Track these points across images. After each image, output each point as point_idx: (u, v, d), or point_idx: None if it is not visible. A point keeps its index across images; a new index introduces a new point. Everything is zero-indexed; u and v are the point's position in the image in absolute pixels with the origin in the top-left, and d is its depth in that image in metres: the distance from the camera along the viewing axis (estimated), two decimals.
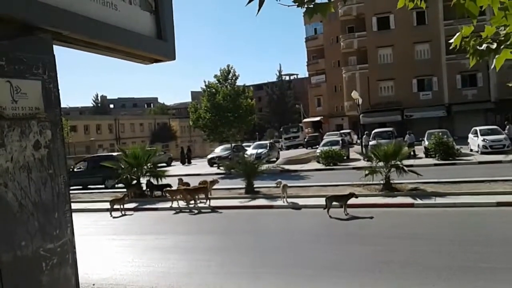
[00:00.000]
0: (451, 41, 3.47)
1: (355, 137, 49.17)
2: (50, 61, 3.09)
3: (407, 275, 7.22)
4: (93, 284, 7.96)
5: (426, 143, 26.54)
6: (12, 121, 2.83)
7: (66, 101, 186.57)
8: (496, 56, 3.19)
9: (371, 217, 11.79)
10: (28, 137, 2.93)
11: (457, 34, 3.42)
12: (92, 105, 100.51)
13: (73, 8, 3.11)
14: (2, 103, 2.77)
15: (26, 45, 2.95)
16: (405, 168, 14.86)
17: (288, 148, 50.85)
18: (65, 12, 3.02)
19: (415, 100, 47.31)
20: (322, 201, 12.91)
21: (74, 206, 14.73)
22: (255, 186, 17.39)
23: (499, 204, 12.00)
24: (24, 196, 2.90)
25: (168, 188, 17.04)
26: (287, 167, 26.98)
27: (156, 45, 4.16)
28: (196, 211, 15.16)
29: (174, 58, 4.43)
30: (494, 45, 3.23)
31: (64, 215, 3.20)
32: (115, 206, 15.64)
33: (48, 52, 3.09)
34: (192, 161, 41.96)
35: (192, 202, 15.77)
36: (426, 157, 26.00)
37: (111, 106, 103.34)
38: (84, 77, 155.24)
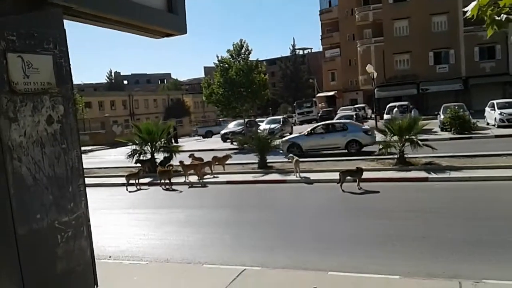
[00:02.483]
0: (466, 9, 3.36)
1: (369, 111, 48.72)
2: (60, 35, 3.08)
3: (421, 249, 7.23)
4: (110, 256, 8.14)
5: (442, 117, 26.18)
6: (25, 96, 2.85)
7: (81, 77, 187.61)
8: None
9: (385, 192, 11.77)
10: (40, 112, 2.96)
11: (474, 3, 3.30)
12: (106, 81, 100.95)
13: None
14: (14, 78, 2.79)
15: (37, 20, 2.94)
16: (420, 142, 14.71)
17: (301, 123, 50.61)
18: None
19: (431, 73, 46.48)
20: (335, 175, 12.91)
21: (91, 180, 14.98)
22: (268, 161, 17.43)
23: None
24: (38, 170, 2.94)
25: (160, 168, 16.75)
26: None
27: (167, 19, 4.11)
28: (208, 186, 15.31)
29: (185, 32, 4.38)
30: None
31: (78, 189, 3.24)
32: (131, 181, 15.85)
33: (58, 26, 3.08)
34: (178, 140, 39.97)
35: (204, 176, 15.96)
36: (442, 131, 25.70)
37: (125, 82, 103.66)
38: (98, 54, 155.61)
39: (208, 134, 44.22)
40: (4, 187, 2.75)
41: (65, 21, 3.28)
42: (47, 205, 3.01)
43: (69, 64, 3.17)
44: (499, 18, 3.24)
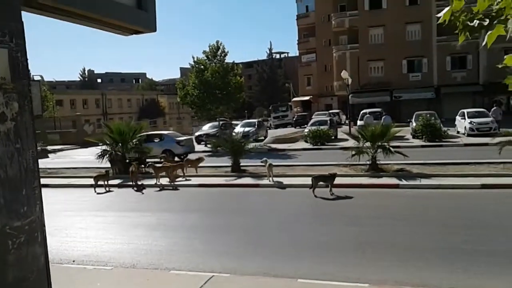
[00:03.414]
0: (439, 14, 3.31)
1: (343, 117, 49.22)
2: (17, 28, 2.88)
3: (390, 256, 7.24)
4: (73, 261, 7.88)
5: (414, 124, 26.62)
6: None
7: (53, 74, 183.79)
8: (489, 32, 3.05)
9: (356, 198, 11.81)
10: None
11: (447, 8, 3.26)
12: (79, 79, 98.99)
13: None
14: None
15: None
16: (392, 149, 14.87)
17: (277, 127, 50.76)
18: None
19: (404, 81, 47.31)
20: (308, 180, 12.89)
21: (58, 181, 14.62)
22: (241, 164, 17.32)
23: (484, 186, 12.09)
24: None
25: (131, 169, 16.40)
26: (274, 146, 26.94)
27: (136, 15, 3.93)
28: (179, 189, 15.08)
29: (155, 30, 4.21)
30: (487, 21, 3.08)
31: (32, 192, 3.04)
32: (99, 182, 15.47)
33: (15, 18, 2.88)
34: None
35: (176, 178, 15.72)
36: (414, 138, 26.13)
37: (99, 80, 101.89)
38: (71, 51, 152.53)
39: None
40: None
41: (31, 15, 3.08)
42: None
43: (26, 59, 2.97)
44: (471, 24, 3.21)
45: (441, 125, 25.22)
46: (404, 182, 13.26)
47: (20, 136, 2.93)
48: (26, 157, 2.99)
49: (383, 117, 28.16)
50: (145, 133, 23.61)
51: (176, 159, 21.19)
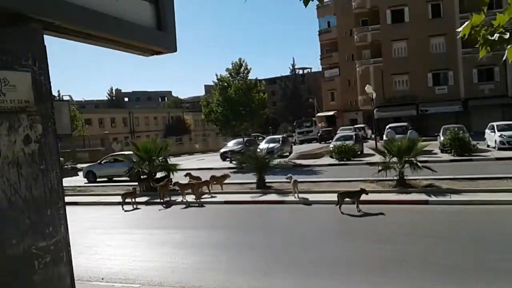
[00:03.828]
0: (459, 29, 3.23)
1: (369, 131, 48.69)
2: (40, 52, 2.94)
3: (420, 275, 7.00)
4: (102, 278, 7.92)
5: (442, 138, 26.05)
6: (0, 114, 2.69)
7: (82, 94, 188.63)
8: (509, 47, 2.95)
9: (384, 214, 11.54)
10: (17, 132, 2.80)
11: (466, 23, 3.17)
12: (107, 98, 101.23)
13: None
14: None
15: (15, 35, 2.80)
16: (419, 164, 14.52)
17: (301, 142, 50.51)
18: (55, 1, 2.86)
19: (430, 95, 46.58)
20: (334, 196, 12.68)
21: (87, 199, 14.88)
22: (266, 181, 17.23)
23: None
24: (14, 193, 2.76)
25: (160, 183, 16.83)
26: (299, 161, 26.75)
27: (156, 36, 3.98)
28: (205, 206, 15.09)
29: (175, 50, 4.25)
30: (507, 35, 2.98)
31: (57, 212, 3.06)
32: (127, 200, 15.63)
33: (38, 42, 2.94)
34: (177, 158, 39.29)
35: (202, 195, 15.77)
36: (442, 152, 25.53)
37: (126, 99, 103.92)
38: (100, 70, 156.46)
39: None
40: None
41: (47, 37, 3.13)
42: (23, 230, 2.83)
43: (49, 82, 3.02)
44: (492, 38, 3.11)
45: (470, 138, 24.59)
46: (433, 198, 12.90)
47: (45, 157, 2.97)
48: (50, 178, 3.02)
49: (409, 132, 27.67)
50: (111, 155, 27.09)
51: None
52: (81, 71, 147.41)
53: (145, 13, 3.80)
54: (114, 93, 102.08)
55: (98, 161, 27.11)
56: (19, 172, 2.81)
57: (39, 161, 2.93)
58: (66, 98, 47.09)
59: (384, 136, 29.23)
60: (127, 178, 21.07)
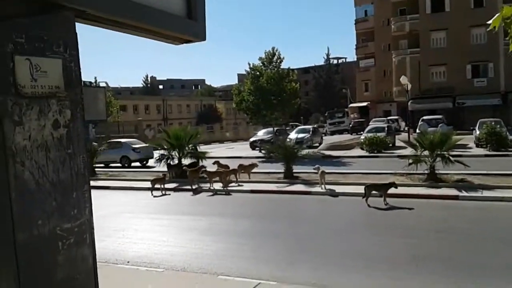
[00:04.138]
0: (489, 22, 3.13)
1: (403, 124, 47.76)
2: (71, 39, 3.04)
3: (446, 272, 6.88)
4: (128, 262, 8.15)
5: (478, 132, 25.30)
6: (31, 99, 2.81)
7: (118, 81, 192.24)
8: None
9: (412, 208, 11.36)
10: (47, 116, 2.91)
11: (497, 14, 3.07)
12: (142, 85, 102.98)
13: None
14: (21, 81, 2.75)
15: (47, 23, 2.90)
16: (452, 158, 14.17)
17: (332, 133, 50.09)
18: None
19: (468, 87, 45.15)
20: (361, 189, 12.57)
21: (118, 183, 15.25)
22: (294, 171, 17.22)
23: None
24: (41, 175, 2.89)
25: (191, 168, 17.32)
26: (329, 153, 26.57)
27: (186, 25, 4.02)
28: (232, 194, 15.23)
29: (204, 39, 4.29)
30: None
31: (83, 195, 3.18)
32: (156, 186, 15.96)
33: (70, 30, 3.03)
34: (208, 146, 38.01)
35: (229, 184, 15.96)
36: (477, 147, 24.82)
37: (160, 87, 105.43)
38: (136, 58, 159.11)
39: None
40: (5, 191, 2.70)
41: (79, 24, 3.22)
42: (49, 211, 2.95)
43: (79, 69, 3.12)
44: None
45: (507, 133, 23.77)
46: (464, 193, 12.60)
47: (72, 142, 3.08)
48: (77, 162, 3.13)
49: (440, 125, 26.97)
50: (108, 141, 27.49)
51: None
52: (118, 58, 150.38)
53: (176, 1, 3.85)
54: (149, 80, 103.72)
55: None
56: (47, 156, 2.92)
57: (66, 145, 3.04)
58: (102, 84, 48.12)
59: (418, 129, 28.65)
60: (138, 164, 21.70)
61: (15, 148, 2.73)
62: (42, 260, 2.91)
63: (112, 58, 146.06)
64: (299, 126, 37.20)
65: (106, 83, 50.31)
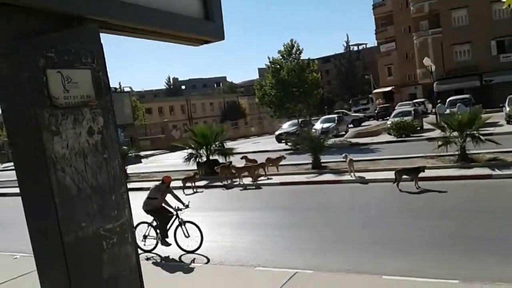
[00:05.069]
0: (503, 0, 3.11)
1: (429, 106, 46.86)
2: (97, 49, 3.18)
3: (483, 251, 6.83)
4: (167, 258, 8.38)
5: (507, 109, 24.64)
6: (65, 109, 2.97)
7: (141, 85, 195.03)
8: None
9: (445, 191, 11.23)
10: (81, 124, 3.06)
11: None
12: (165, 87, 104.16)
13: None
14: (55, 93, 2.90)
15: (74, 36, 3.05)
16: (482, 137, 13.90)
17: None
18: (108, 1, 3.09)
19: (495, 64, 43.85)
20: (391, 174, 12.50)
21: (151, 184, 15.39)
22: (322, 161, 17.21)
23: None
24: (81, 180, 3.05)
25: (222, 164, 17.70)
26: (356, 140, 26.38)
27: (204, 26, 4.11)
28: (262, 188, 15.35)
29: (223, 38, 4.37)
30: None
31: (121, 197, 3.33)
32: (187, 184, 16.22)
33: (95, 41, 3.17)
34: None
35: (258, 178, 16.09)
36: (508, 124, 24.18)
37: (183, 87, 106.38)
38: (157, 60, 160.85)
39: None
40: (49, 198, 2.88)
41: (102, 34, 3.36)
42: (91, 214, 3.12)
43: (107, 77, 3.26)
44: None
45: None
46: (497, 172, 12.36)
47: (107, 147, 3.23)
48: (113, 165, 3.28)
49: (457, 105, 26.32)
50: None
51: None
52: (139, 62, 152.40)
53: (193, 4, 3.94)
54: (171, 81, 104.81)
55: None
56: (85, 162, 3.08)
57: (102, 151, 3.19)
58: (127, 89, 48.98)
59: (446, 110, 28.09)
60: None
61: (55, 157, 2.89)
62: (89, 259, 3.09)
63: (133, 63, 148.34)
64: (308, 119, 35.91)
65: (130, 87, 51.17)
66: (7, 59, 2.90)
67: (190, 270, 7.48)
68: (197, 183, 16.69)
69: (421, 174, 11.87)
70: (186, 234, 8.75)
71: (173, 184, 17.65)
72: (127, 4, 3.29)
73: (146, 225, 9.24)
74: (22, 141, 3.00)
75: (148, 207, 9.13)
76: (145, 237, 9.11)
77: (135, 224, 8.77)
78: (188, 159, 19.88)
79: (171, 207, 9.11)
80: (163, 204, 9.18)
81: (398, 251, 7.40)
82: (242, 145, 30.66)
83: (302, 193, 14.08)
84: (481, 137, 13.90)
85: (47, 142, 2.91)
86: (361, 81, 78.52)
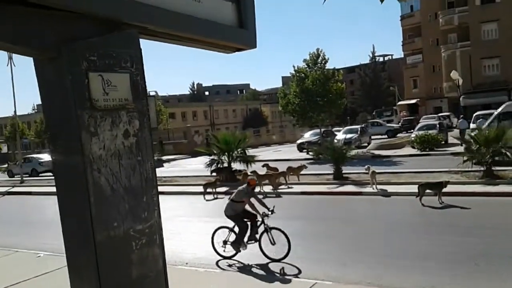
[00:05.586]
0: None
1: (455, 120, 46.04)
2: (136, 54, 3.29)
3: (506, 270, 6.70)
4: (186, 263, 8.47)
5: None
6: (104, 112, 3.08)
7: (166, 89, 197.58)
8: None
9: (468, 208, 11.03)
10: (118, 127, 3.17)
11: None
12: (189, 92, 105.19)
13: (156, 3, 3.28)
14: (95, 95, 3.02)
15: (115, 40, 3.17)
16: (509, 154, 13.63)
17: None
18: (149, 7, 3.20)
19: None
20: (414, 188, 12.35)
21: (173, 188, 15.70)
22: (344, 172, 17.12)
23: None
24: (115, 181, 3.15)
25: (244, 171, 17.94)
26: (378, 152, 26.15)
27: (238, 34, 4.21)
28: (282, 196, 15.34)
29: (255, 46, 4.46)
30: None
31: (152, 199, 3.43)
32: (208, 190, 16.33)
33: (135, 46, 3.29)
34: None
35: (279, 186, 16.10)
36: None
37: (206, 93, 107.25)
38: (183, 66, 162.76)
39: None
40: (85, 197, 2.98)
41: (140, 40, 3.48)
42: (123, 214, 3.22)
43: (144, 81, 3.37)
44: None
45: None
46: None
47: (141, 149, 3.34)
48: (146, 168, 3.39)
49: (478, 121, 25.82)
50: (24, 157, 34.71)
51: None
52: (165, 67, 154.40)
53: (228, 12, 4.04)
54: (195, 87, 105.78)
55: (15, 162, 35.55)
56: (120, 163, 3.18)
57: (136, 153, 3.29)
58: (152, 93, 49.62)
59: (471, 125, 27.63)
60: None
61: (92, 157, 3.01)
62: (118, 259, 3.18)
63: (159, 67, 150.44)
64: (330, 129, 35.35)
65: (155, 92, 51.81)
66: (51, 62, 3.04)
67: (209, 276, 7.53)
68: (218, 189, 16.78)
69: (446, 189, 11.70)
70: (272, 241, 8.23)
71: (195, 189, 17.95)
72: (165, 10, 3.41)
73: (227, 230, 8.78)
74: (62, 141, 3.13)
75: (228, 212, 8.69)
76: (225, 242, 8.66)
77: (215, 228, 8.82)
78: (210, 164, 20.04)
79: (257, 211, 8.49)
80: (247, 208, 8.67)
81: (418, 266, 7.32)
82: (263, 153, 30.71)
83: (323, 203, 14.03)
84: (508, 154, 13.63)
85: (85, 142, 3.03)
86: (386, 92, 77.79)
